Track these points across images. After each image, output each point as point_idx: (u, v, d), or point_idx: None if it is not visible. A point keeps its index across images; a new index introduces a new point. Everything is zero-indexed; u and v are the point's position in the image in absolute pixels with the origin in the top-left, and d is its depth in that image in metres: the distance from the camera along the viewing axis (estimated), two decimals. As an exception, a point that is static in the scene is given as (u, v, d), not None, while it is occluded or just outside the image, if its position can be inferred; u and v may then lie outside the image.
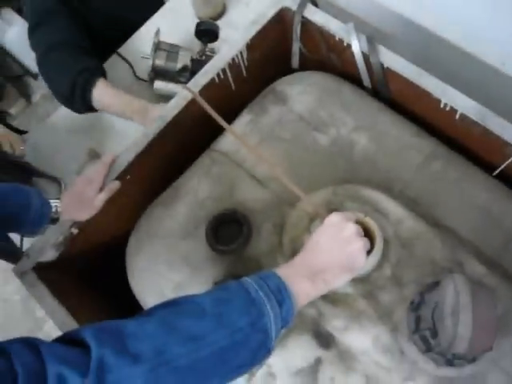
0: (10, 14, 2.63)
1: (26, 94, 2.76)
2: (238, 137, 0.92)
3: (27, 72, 2.77)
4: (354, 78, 1.11)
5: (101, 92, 1.14)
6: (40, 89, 2.78)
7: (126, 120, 1.21)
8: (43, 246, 0.98)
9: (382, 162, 0.98)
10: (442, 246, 0.85)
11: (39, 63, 1.19)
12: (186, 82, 1.20)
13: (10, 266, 0.98)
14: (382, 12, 1.38)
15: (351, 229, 0.74)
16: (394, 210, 0.89)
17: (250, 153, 0.97)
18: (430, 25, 1.24)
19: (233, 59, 1.08)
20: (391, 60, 1.02)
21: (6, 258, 1.04)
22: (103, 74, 1.19)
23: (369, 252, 0.77)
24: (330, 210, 0.81)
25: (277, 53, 1.19)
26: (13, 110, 2.68)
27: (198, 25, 1.24)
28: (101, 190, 0.99)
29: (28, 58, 2.73)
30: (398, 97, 1.09)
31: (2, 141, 1.23)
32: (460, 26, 1.15)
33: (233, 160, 1.02)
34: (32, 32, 1.20)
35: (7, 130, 1.29)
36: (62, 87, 1.15)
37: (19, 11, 2.70)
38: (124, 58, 1.35)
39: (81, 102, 1.16)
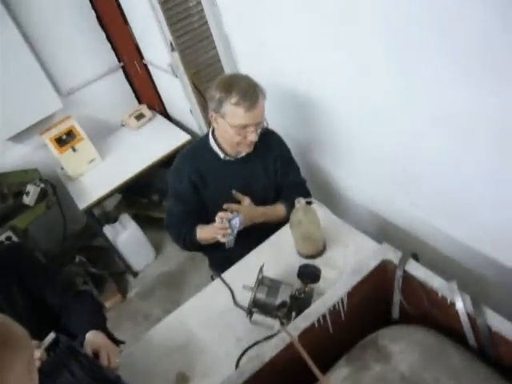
0: (126, 219, 2.99)
1: (123, 290, 2.95)
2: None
3: (129, 270, 3.02)
4: (457, 334, 1.08)
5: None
6: (136, 287, 2.98)
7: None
8: None
9: None
10: None
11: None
12: (283, 317, 1.23)
13: None
14: (481, 259, 1.40)
15: None
16: None
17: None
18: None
19: (334, 305, 1.11)
20: (499, 324, 0.99)
21: None
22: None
23: None
24: None
25: (376, 300, 1.20)
26: (108, 304, 2.84)
27: (301, 267, 1.32)
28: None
29: (132, 257, 3.00)
30: (505, 359, 1.02)
31: (102, 351, 1.27)
32: None
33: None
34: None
35: (107, 340, 1.34)
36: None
37: (135, 217, 3.08)
38: (227, 284, 1.45)
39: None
